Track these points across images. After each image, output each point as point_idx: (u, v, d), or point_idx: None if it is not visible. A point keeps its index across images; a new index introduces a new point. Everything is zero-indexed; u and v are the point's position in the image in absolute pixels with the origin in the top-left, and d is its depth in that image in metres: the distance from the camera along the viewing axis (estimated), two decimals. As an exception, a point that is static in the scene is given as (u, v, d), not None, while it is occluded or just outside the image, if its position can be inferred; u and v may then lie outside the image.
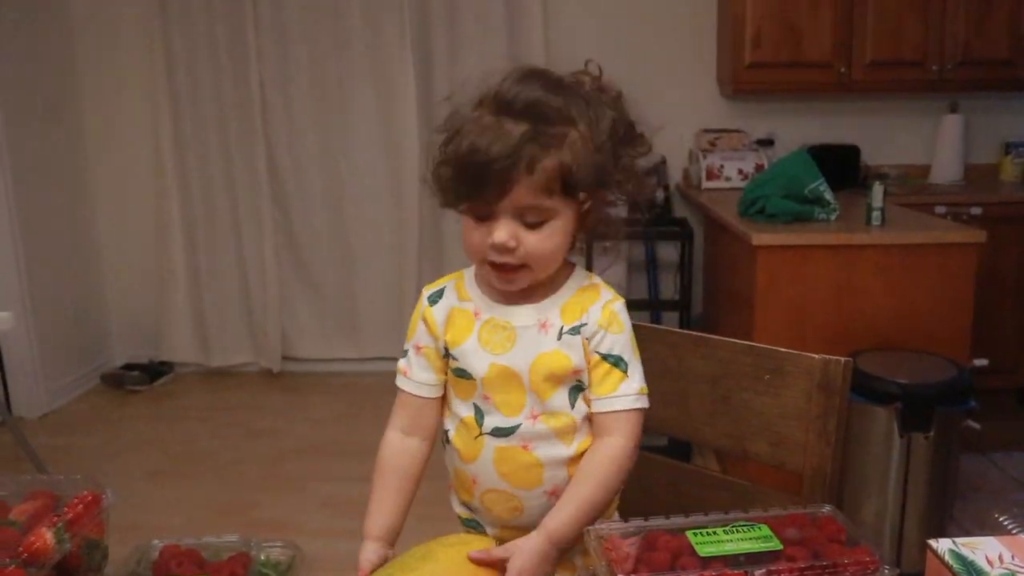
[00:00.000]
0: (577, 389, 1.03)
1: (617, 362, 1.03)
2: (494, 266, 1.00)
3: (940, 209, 3.40)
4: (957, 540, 0.83)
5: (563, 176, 0.94)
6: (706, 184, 3.75)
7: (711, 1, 3.96)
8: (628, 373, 1.03)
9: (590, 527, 0.87)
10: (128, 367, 4.19)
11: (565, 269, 1.06)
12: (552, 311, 1.04)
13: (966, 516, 2.62)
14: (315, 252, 4.22)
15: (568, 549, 0.99)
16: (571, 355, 1.02)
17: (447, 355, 1.06)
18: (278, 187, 4.13)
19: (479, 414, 1.04)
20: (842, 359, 1.11)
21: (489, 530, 1.09)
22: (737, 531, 0.84)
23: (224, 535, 0.97)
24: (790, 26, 3.62)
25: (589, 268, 1.10)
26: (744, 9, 3.62)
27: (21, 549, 0.83)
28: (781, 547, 0.81)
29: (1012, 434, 3.23)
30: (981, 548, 0.82)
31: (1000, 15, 3.60)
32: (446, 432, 1.08)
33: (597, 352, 1.02)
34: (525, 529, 1.04)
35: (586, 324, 1.03)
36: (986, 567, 0.79)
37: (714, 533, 0.84)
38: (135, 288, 4.32)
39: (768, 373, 1.16)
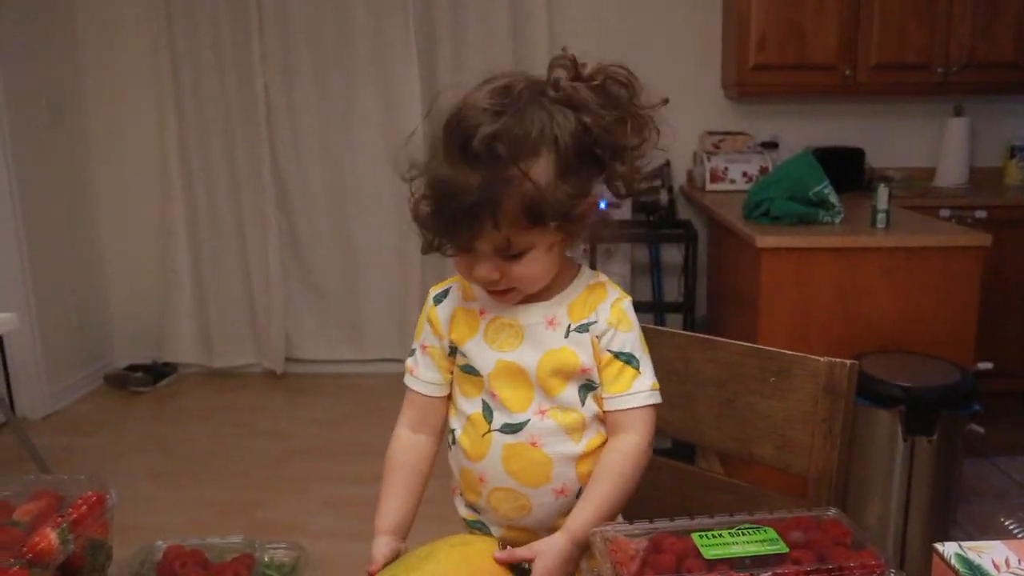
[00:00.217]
0: (586, 387, 1.03)
1: (629, 359, 1.02)
2: (486, 289, 1.01)
3: (945, 212, 3.40)
4: (963, 544, 0.82)
5: (530, 212, 0.92)
6: (710, 186, 3.74)
7: (716, 3, 3.96)
8: (640, 370, 1.03)
9: (595, 528, 0.86)
10: (132, 368, 4.20)
11: (571, 268, 1.06)
12: (559, 309, 1.03)
13: (969, 520, 2.61)
14: (318, 254, 4.23)
15: (587, 549, 0.98)
16: (579, 353, 1.01)
17: (453, 353, 1.06)
18: (281, 189, 4.14)
19: (487, 411, 1.04)
20: (848, 362, 1.10)
21: (494, 530, 1.08)
22: (742, 534, 0.83)
23: (228, 536, 0.96)
24: (795, 28, 3.62)
25: (593, 269, 1.09)
26: (749, 11, 3.61)
27: (25, 549, 0.83)
28: (787, 550, 0.81)
29: (1016, 438, 3.22)
30: (988, 552, 0.81)
31: (1006, 18, 3.60)
32: (452, 432, 1.08)
33: (609, 350, 1.02)
34: (531, 529, 1.04)
35: (595, 322, 1.02)
36: (993, 571, 0.79)
37: (719, 535, 0.83)
38: (139, 289, 4.33)
39: (774, 376, 1.16)
